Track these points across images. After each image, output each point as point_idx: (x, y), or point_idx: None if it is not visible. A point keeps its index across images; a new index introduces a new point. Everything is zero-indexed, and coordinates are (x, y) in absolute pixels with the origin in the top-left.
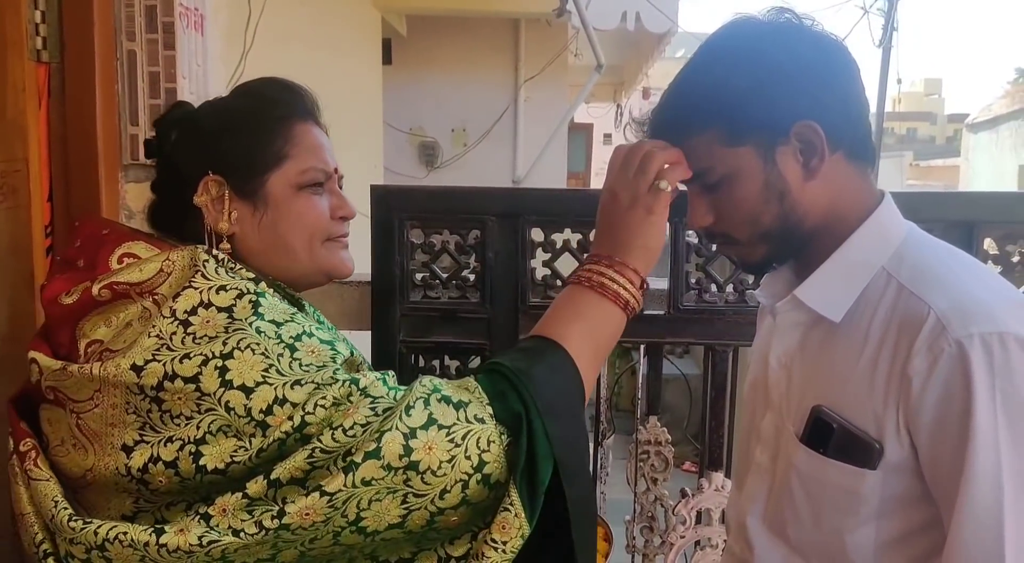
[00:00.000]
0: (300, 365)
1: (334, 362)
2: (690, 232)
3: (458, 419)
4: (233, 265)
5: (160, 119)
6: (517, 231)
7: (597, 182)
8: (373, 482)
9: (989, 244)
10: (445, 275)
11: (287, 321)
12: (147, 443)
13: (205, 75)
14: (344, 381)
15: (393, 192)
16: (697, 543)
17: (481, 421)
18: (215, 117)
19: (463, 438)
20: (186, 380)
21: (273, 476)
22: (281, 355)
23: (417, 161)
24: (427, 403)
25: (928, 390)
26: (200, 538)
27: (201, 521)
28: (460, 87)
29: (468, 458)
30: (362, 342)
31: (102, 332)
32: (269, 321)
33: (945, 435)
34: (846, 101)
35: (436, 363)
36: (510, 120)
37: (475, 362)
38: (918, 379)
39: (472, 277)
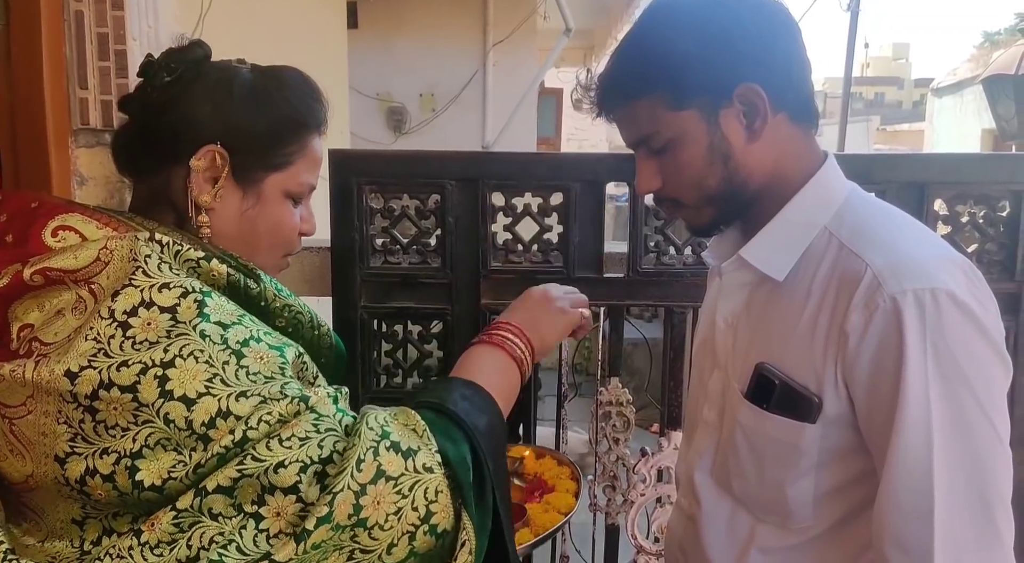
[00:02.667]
0: (247, 374)
1: (283, 374)
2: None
3: (406, 469)
4: (177, 253)
5: (176, 51)
6: (477, 195)
7: (568, 147)
8: (322, 544)
9: (940, 205)
10: (405, 240)
11: (234, 324)
12: (79, 455)
13: (157, 36)
14: (293, 398)
15: (351, 156)
16: (658, 500)
17: (429, 470)
18: (247, 91)
19: (410, 489)
20: (123, 389)
21: (200, 484)
22: (227, 363)
23: (385, 127)
24: (376, 453)
25: (864, 345)
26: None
27: (134, 537)
28: (428, 51)
29: (415, 509)
30: (323, 308)
31: (34, 316)
32: (215, 323)
33: (879, 388)
34: (788, 63)
35: (398, 328)
36: (479, 85)
37: (437, 327)
38: (855, 334)
39: (432, 242)
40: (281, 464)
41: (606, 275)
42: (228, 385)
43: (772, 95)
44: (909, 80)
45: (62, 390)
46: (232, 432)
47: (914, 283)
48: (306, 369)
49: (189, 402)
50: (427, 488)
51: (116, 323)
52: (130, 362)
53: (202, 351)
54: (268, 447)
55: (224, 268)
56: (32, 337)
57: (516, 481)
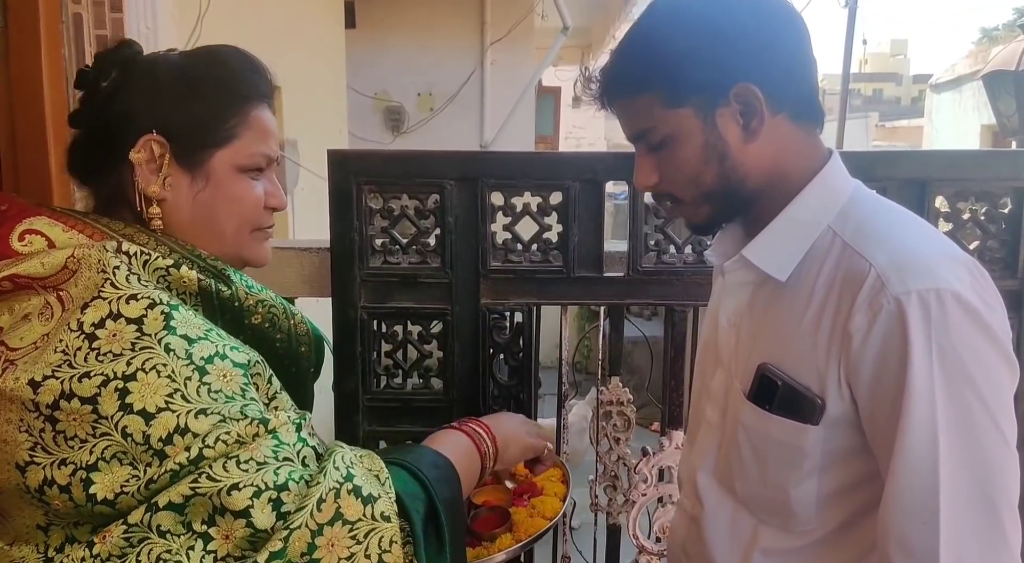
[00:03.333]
0: (209, 391)
1: (243, 395)
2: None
3: (364, 515)
4: (146, 263)
5: (106, 54)
6: (476, 195)
7: (566, 146)
8: None
9: (941, 202)
10: (405, 240)
11: (200, 338)
12: (38, 465)
13: (156, 38)
14: (253, 420)
15: (350, 157)
16: (659, 500)
17: (387, 519)
18: (175, 75)
19: (365, 536)
20: (83, 401)
21: (152, 500)
22: (189, 378)
23: (383, 126)
24: (338, 495)
25: (868, 346)
26: None
27: (86, 549)
28: (425, 51)
29: (368, 557)
30: (323, 309)
31: (4, 320)
32: (181, 336)
33: (884, 389)
34: (788, 62)
35: (398, 328)
36: (477, 84)
37: (437, 327)
38: (858, 335)
39: (432, 242)
40: (235, 486)
41: (606, 274)
42: (188, 401)
43: (770, 95)
44: (907, 76)
45: (24, 399)
46: (188, 449)
47: (918, 283)
48: (261, 383)
49: (148, 416)
50: (382, 537)
51: (84, 335)
52: (92, 374)
53: (165, 365)
54: (224, 468)
55: (194, 274)
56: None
57: (507, 483)
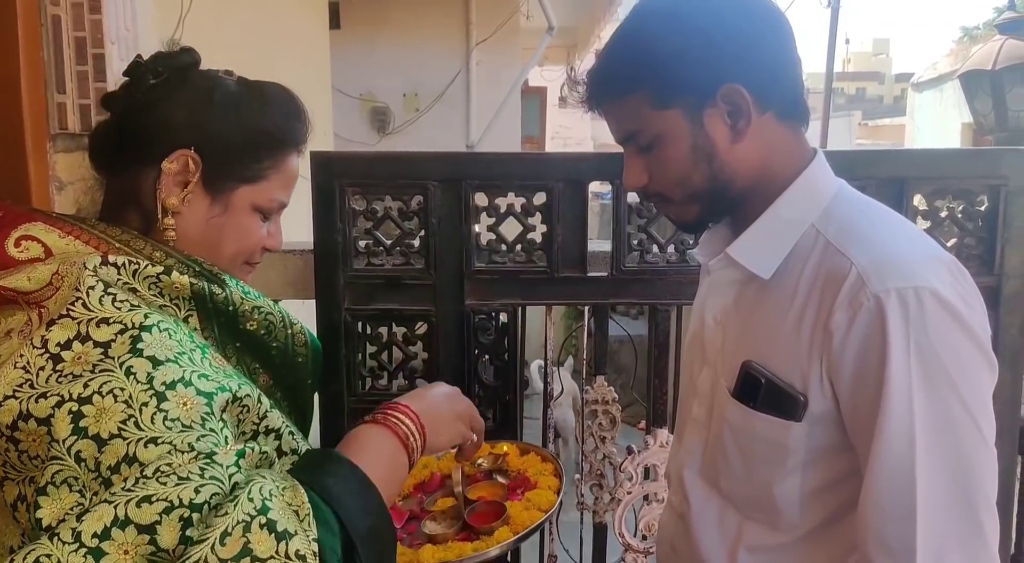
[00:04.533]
0: (165, 419)
1: (203, 425)
2: (632, 195)
3: (276, 553)
4: (135, 272)
5: (164, 55)
6: (460, 196)
7: (552, 146)
8: None
9: (919, 200)
10: (389, 241)
11: (169, 361)
12: (12, 480)
13: (135, 40)
14: (199, 453)
15: (334, 158)
16: (645, 498)
17: (302, 559)
18: (228, 102)
19: None
20: (39, 422)
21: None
22: (145, 404)
23: (368, 127)
24: (248, 529)
25: (848, 343)
26: None
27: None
28: (411, 51)
29: None
30: (307, 311)
31: None
32: (147, 358)
33: (863, 386)
34: (774, 62)
35: (383, 330)
36: (462, 84)
37: (422, 328)
38: (839, 333)
39: (416, 243)
40: (147, 499)
41: (590, 274)
42: (140, 429)
43: (757, 95)
44: (890, 75)
45: None
46: (127, 479)
47: (898, 282)
48: (247, 411)
49: (101, 442)
50: None
51: (48, 355)
52: (48, 394)
53: (122, 390)
54: (146, 482)
55: (186, 279)
56: None
57: (499, 478)
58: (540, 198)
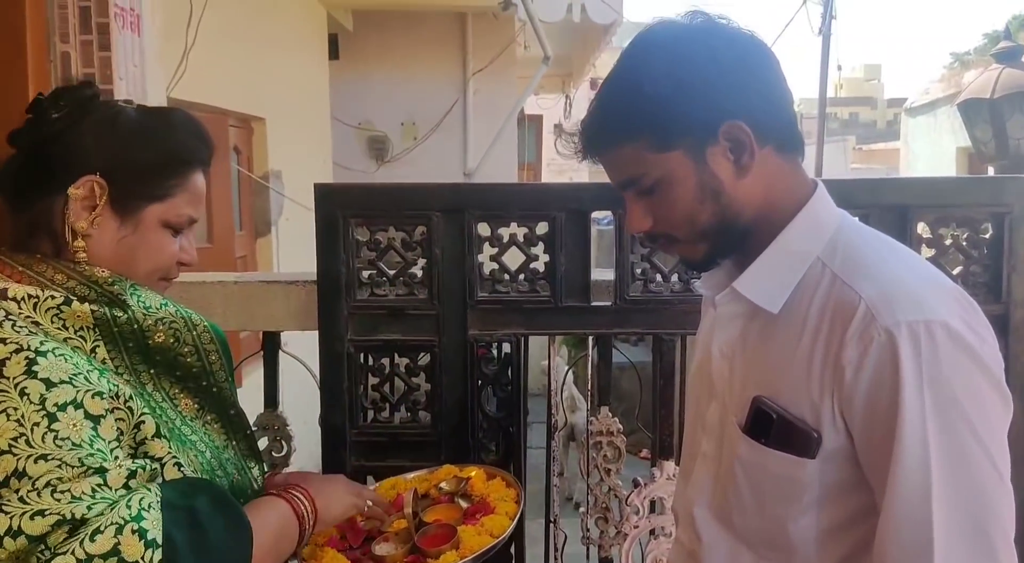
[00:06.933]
0: (55, 439)
1: (91, 445)
2: None
3: (142, 559)
4: (36, 305)
5: (64, 90)
6: (463, 226)
7: (548, 172)
8: None
9: (923, 228)
10: (392, 272)
11: (62, 382)
12: None
13: (143, 75)
14: (89, 469)
15: (337, 190)
16: (652, 532)
17: None
18: (131, 128)
19: None
20: None
21: None
22: (37, 424)
23: (367, 155)
24: (120, 531)
25: (860, 378)
26: None
27: None
28: (409, 81)
29: None
30: (310, 342)
31: None
32: (41, 380)
33: (876, 421)
34: (768, 95)
35: (385, 361)
36: (459, 113)
37: (425, 359)
38: (850, 368)
39: (419, 273)
40: (40, 512)
41: (594, 303)
42: (31, 446)
43: (757, 129)
44: (882, 100)
45: None
46: (18, 491)
47: (908, 315)
48: (134, 425)
49: None
50: None
51: None
52: None
53: (15, 409)
54: (39, 495)
55: (87, 308)
56: None
57: (461, 501)
58: (543, 228)
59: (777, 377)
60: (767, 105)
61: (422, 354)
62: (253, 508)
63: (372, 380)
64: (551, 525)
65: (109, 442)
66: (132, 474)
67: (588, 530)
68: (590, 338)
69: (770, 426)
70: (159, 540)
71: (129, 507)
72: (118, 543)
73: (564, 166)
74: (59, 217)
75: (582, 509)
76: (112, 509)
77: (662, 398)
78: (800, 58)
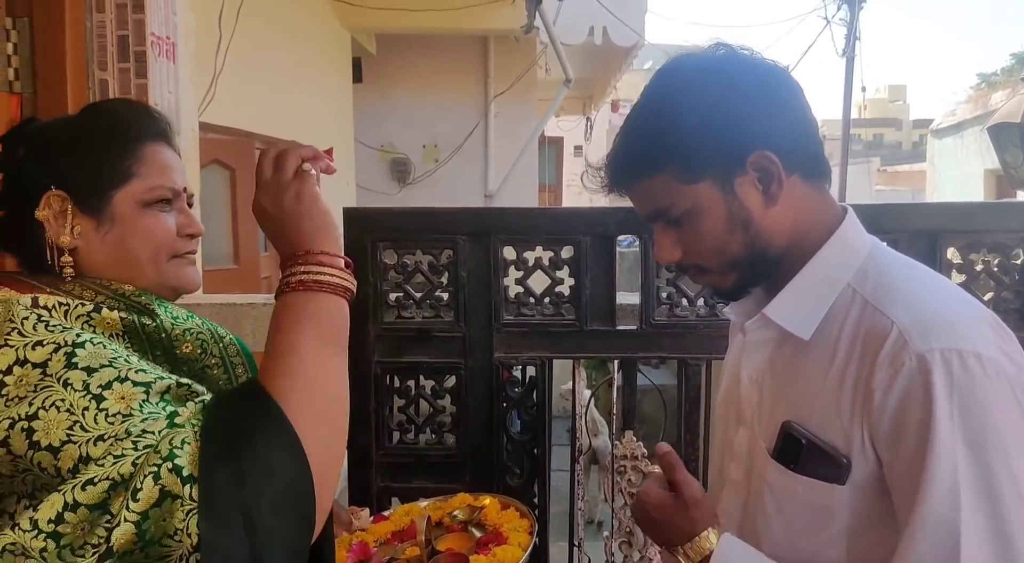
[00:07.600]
0: (106, 416)
1: (141, 409)
2: None
3: (182, 494)
4: (66, 313)
5: (8, 134)
6: (489, 250)
7: (569, 194)
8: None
9: (953, 253)
10: (419, 295)
11: (103, 366)
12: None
13: (177, 102)
14: (133, 435)
15: (365, 214)
16: None
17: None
18: (62, 133)
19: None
20: None
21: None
22: (87, 409)
23: (389, 178)
24: (156, 477)
25: (888, 401)
26: None
27: None
28: (430, 104)
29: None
30: None
31: None
32: (82, 369)
33: (903, 446)
34: (793, 123)
35: (411, 383)
36: (481, 135)
37: (450, 381)
38: (880, 392)
39: (445, 296)
40: (90, 481)
41: (619, 327)
42: (87, 430)
43: (784, 158)
44: (907, 121)
45: None
46: (84, 474)
47: (941, 342)
48: (194, 393)
49: (55, 451)
50: (174, 438)
51: None
52: (0, 418)
53: (63, 401)
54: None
55: (116, 315)
56: None
57: (474, 530)
58: (568, 251)
59: (807, 402)
60: (793, 133)
61: (448, 376)
62: (298, 358)
63: (398, 401)
64: (575, 549)
65: (160, 402)
66: (174, 414)
67: (612, 554)
68: (614, 361)
69: (799, 451)
70: (196, 474)
71: (158, 450)
72: (162, 488)
73: (584, 188)
74: (46, 242)
75: (606, 533)
76: (147, 457)
77: (687, 422)
78: (823, 79)
